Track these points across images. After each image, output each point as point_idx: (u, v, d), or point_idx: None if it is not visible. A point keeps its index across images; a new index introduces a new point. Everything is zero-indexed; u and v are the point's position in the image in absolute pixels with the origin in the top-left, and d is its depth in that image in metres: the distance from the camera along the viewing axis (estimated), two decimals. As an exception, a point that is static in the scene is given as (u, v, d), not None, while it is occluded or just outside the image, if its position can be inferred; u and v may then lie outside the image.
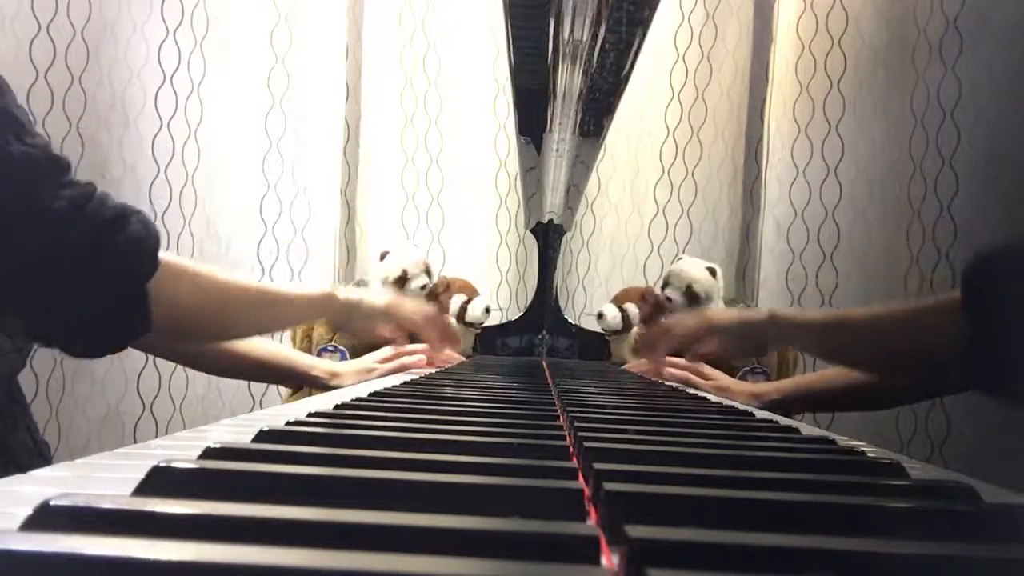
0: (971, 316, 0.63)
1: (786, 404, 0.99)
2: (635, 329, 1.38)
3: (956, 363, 0.65)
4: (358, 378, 1.03)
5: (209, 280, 0.75)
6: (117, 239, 0.61)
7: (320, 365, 1.07)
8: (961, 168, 1.51)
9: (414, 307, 1.03)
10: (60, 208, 0.58)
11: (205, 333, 0.82)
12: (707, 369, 1.05)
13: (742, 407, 0.72)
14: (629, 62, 0.88)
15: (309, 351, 1.39)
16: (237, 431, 0.41)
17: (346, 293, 0.93)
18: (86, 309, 0.62)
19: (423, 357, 1.09)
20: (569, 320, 1.49)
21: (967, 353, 0.63)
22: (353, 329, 1.03)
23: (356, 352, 1.32)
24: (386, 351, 1.09)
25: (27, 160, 0.57)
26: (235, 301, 0.78)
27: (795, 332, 0.88)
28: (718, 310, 0.98)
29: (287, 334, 1.59)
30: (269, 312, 0.84)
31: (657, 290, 1.42)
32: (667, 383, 1.03)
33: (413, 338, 1.13)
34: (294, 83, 1.70)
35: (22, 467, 0.29)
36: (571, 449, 0.37)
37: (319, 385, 1.05)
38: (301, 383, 1.14)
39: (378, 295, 1.04)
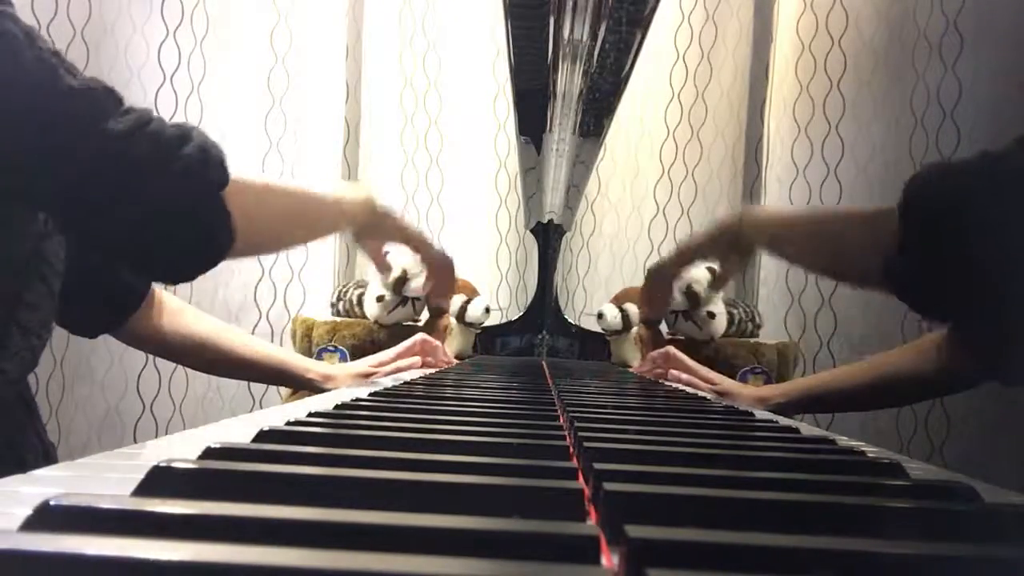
0: (906, 225, 0.63)
1: (791, 407, 0.99)
2: (634, 329, 1.38)
3: (885, 272, 0.65)
4: (352, 382, 1.03)
5: (269, 191, 0.75)
6: (184, 151, 0.61)
7: (315, 368, 1.06)
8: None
9: (437, 253, 1.02)
10: (126, 129, 0.59)
11: (270, 244, 0.83)
12: (710, 373, 1.05)
13: (742, 407, 0.72)
14: (629, 62, 0.88)
15: (309, 351, 1.39)
16: (237, 431, 0.41)
17: (383, 202, 0.92)
18: (170, 227, 0.61)
19: (418, 360, 1.09)
20: (569, 320, 1.49)
21: (895, 261, 0.63)
22: (378, 236, 0.99)
23: (356, 353, 1.32)
24: (382, 355, 1.08)
25: (86, 93, 0.57)
26: (294, 209, 0.78)
27: (766, 230, 0.88)
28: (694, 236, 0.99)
29: (287, 332, 1.59)
30: (320, 217, 0.84)
31: (657, 290, 1.41)
32: (668, 383, 1.03)
33: (406, 336, 1.14)
34: (294, 83, 1.70)
35: (29, 468, 0.29)
36: (571, 449, 0.37)
37: (312, 387, 1.04)
38: (294, 385, 1.13)
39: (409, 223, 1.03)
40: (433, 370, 1.04)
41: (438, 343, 1.13)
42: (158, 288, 0.96)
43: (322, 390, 1.02)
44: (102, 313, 0.90)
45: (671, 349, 1.10)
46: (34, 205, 0.65)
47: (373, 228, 0.92)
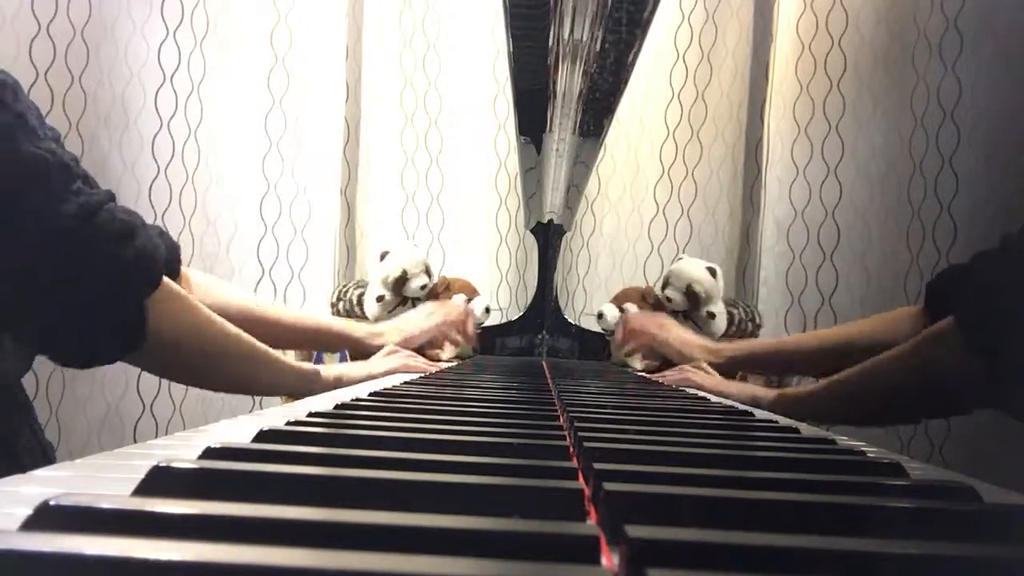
0: (975, 337, 0.62)
1: (744, 363, 1.00)
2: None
3: (972, 387, 0.64)
4: (399, 338, 1.06)
5: (210, 321, 0.73)
6: (121, 252, 0.60)
7: (361, 326, 1.09)
8: (961, 168, 1.51)
9: (404, 359, 1.03)
10: (67, 213, 0.57)
11: (191, 371, 0.79)
12: (663, 319, 1.06)
13: (742, 407, 0.72)
14: (629, 62, 0.88)
15: (309, 352, 1.39)
16: (237, 431, 0.41)
17: (332, 372, 0.92)
18: (81, 318, 0.60)
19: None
20: (569, 320, 1.49)
21: (990, 377, 0.62)
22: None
23: (356, 355, 1.32)
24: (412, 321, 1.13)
25: (37, 162, 0.56)
26: (229, 351, 0.76)
27: (803, 409, 0.86)
28: (722, 384, 0.98)
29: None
30: (257, 372, 0.82)
31: (657, 290, 1.42)
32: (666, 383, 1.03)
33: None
34: (294, 83, 1.70)
35: (26, 468, 0.29)
36: (571, 449, 0.37)
37: (361, 346, 1.06)
38: (340, 347, 1.14)
39: (364, 368, 1.01)
40: (433, 369, 1.04)
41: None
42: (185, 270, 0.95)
43: (372, 348, 1.04)
44: (102, 350, 0.87)
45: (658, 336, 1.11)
46: None
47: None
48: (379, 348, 1.05)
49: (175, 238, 1.59)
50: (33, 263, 0.57)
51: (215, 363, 0.77)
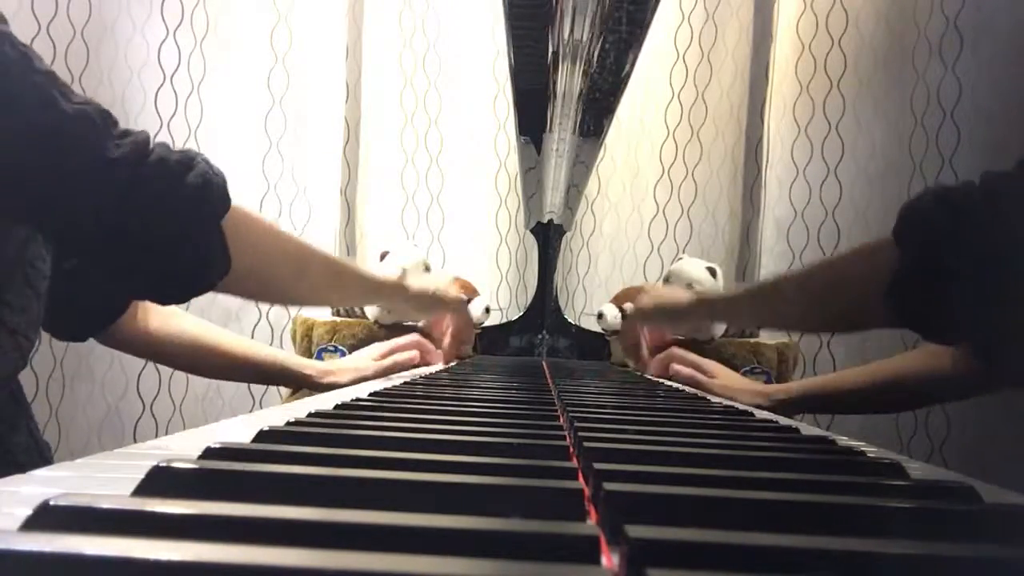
0: (901, 246, 0.62)
1: (794, 405, 0.98)
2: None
3: (886, 299, 0.64)
4: (353, 376, 1.02)
5: (284, 234, 0.75)
6: (186, 178, 0.61)
7: (312, 365, 1.05)
8: (961, 168, 1.51)
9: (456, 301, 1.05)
10: (124, 155, 0.58)
11: (278, 287, 0.80)
12: (712, 366, 1.05)
13: (742, 407, 0.72)
14: (629, 62, 0.88)
15: (309, 351, 1.38)
16: (237, 431, 0.41)
17: (417, 284, 0.94)
18: (167, 252, 0.61)
19: (416, 354, 1.08)
20: (569, 320, 1.49)
21: (896, 286, 0.62)
22: (422, 318, 1.03)
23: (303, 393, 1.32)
24: (378, 348, 1.08)
25: (82, 117, 0.57)
26: (309, 260, 0.77)
27: (721, 305, 0.88)
28: (660, 293, 1.00)
29: (287, 332, 1.59)
30: (341, 281, 0.84)
31: (657, 290, 1.41)
32: (669, 382, 1.03)
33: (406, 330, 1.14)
34: (294, 83, 1.70)
35: (23, 468, 0.29)
36: (571, 449, 0.37)
37: (311, 385, 1.03)
38: (292, 383, 1.11)
39: (438, 281, 1.04)
40: (433, 369, 1.04)
41: (432, 347, 1.13)
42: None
43: (321, 387, 1.01)
44: (87, 317, 0.88)
45: (674, 349, 1.10)
46: (32, 226, 0.64)
47: (417, 310, 0.96)
48: (328, 388, 1.03)
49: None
50: (104, 212, 0.58)
51: (301, 281, 0.78)
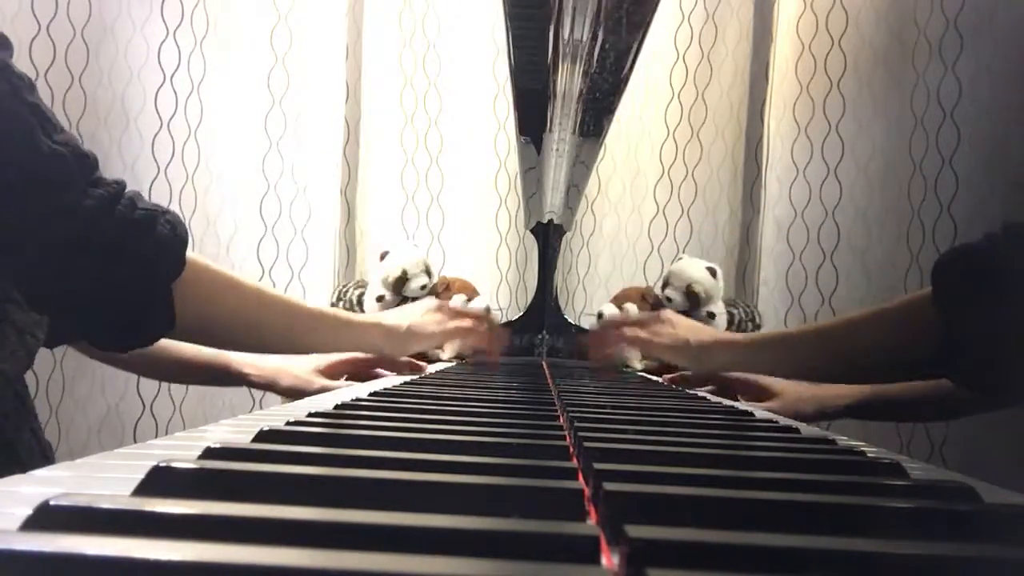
0: (944, 310, 0.63)
1: (855, 412, 0.95)
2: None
3: (931, 360, 0.65)
4: (291, 383, 0.97)
5: (244, 287, 0.76)
6: (143, 240, 0.62)
7: (256, 362, 1.00)
8: (961, 168, 1.51)
9: (469, 326, 0.99)
10: (89, 207, 0.59)
11: (230, 340, 0.82)
12: (769, 382, 0.98)
13: (742, 407, 0.72)
14: (629, 62, 0.88)
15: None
16: (237, 431, 0.41)
17: (392, 320, 0.90)
18: (111, 307, 0.63)
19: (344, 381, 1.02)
20: (569, 320, 1.49)
21: (944, 348, 0.63)
22: (404, 354, 0.96)
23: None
24: (326, 358, 1.01)
25: (56, 159, 0.57)
26: (268, 313, 0.78)
27: (754, 355, 0.86)
28: (676, 321, 0.95)
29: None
30: (306, 330, 0.83)
31: (657, 290, 1.42)
32: (672, 386, 1.03)
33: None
34: (294, 83, 1.70)
35: (25, 467, 0.29)
36: (571, 449, 0.37)
37: (250, 384, 1.00)
38: (231, 384, 1.06)
39: (424, 318, 0.96)
40: (414, 376, 1.03)
41: (409, 361, 1.05)
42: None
43: (257, 386, 1.00)
44: (135, 335, 0.86)
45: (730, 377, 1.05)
46: None
47: (394, 349, 0.91)
48: (263, 388, 1.01)
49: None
50: (61, 257, 0.59)
51: (259, 333, 0.79)
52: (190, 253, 0.68)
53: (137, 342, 0.68)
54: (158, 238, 0.63)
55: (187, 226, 0.68)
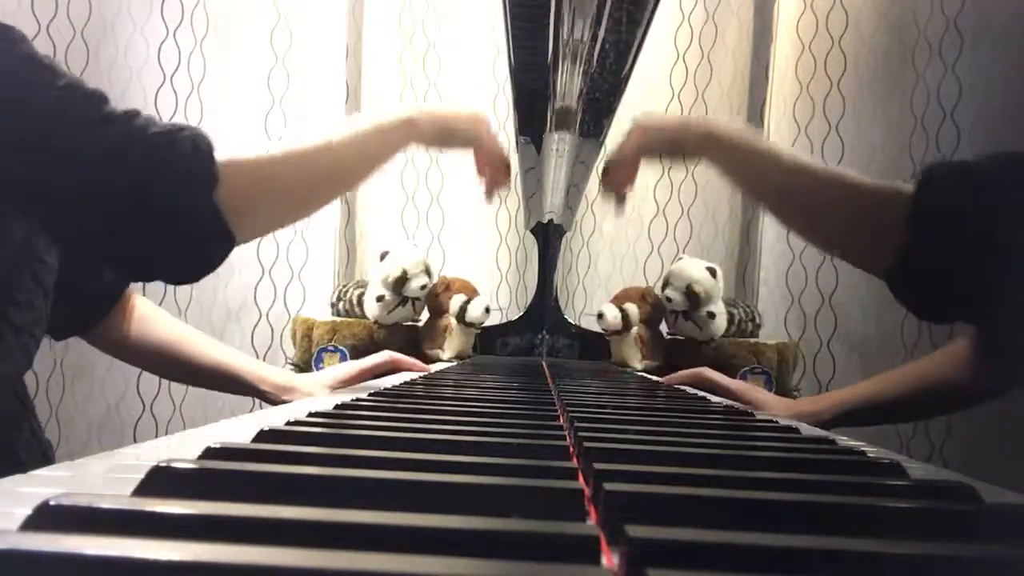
0: (918, 222, 0.62)
1: (829, 424, 0.91)
2: (635, 329, 1.38)
3: (883, 254, 0.63)
4: (316, 393, 0.94)
5: (281, 163, 0.71)
6: (171, 160, 0.61)
7: (273, 378, 0.97)
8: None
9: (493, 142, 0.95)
10: (110, 138, 0.59)
11: (293, 218, 0.81)
12: (738, 387, 0.98)
13: (742, 407, 0.72)
14: (629, 62, 0.88)
15: (309, 351, 1.39)
16: (237, 431, 0.41)
17: (428, 113, 0.84)
18: (167, 234, 0.62)
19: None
20: (569, 320, 1.49)
21: (903, 263, 0.62)
22: (453, 147, 0.92)
23: (355, 354, 1.32)
24: (349, 368, 1.00)
25: (67, 101, 0.58)
26: (313, 175, 0.75)
27: (730, 152, 0.83)
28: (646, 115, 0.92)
29: (287, 332, 1.59)
30: (351, 163, 0.80)
31: (657, 290, 1.42)
32: (677, 385, 1.03)
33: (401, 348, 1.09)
34: (294, 83, 1.70)
35: (25, 467, 0.29)
36: (571, 449, 0.37)
37: (267, 399, 0.96)
38: (248, 394, 1.02)
39: (460, 111, 0.90)
40: (424, 373, 1.03)
41: (416, 363, 1.04)
42: (135, 293, 0.93)
43: (279, 402, 0.94)
44: (74, 315, 0.85)
45: (704, 370, 1.03)
46: (26, 210, 0.65)
47: (440, 140, 0.86)
48: (283, 402, 0.96)
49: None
50: (100, 193, 0.59)
51: (310, 193, 0.77)
52: (226, 158, 0.65)
53: (204, 267, 0.65)
54: (185, 152, 0.62)
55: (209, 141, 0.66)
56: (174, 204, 0.61)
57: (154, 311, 0.96)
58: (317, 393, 0.93)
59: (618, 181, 0.95)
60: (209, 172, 0.63)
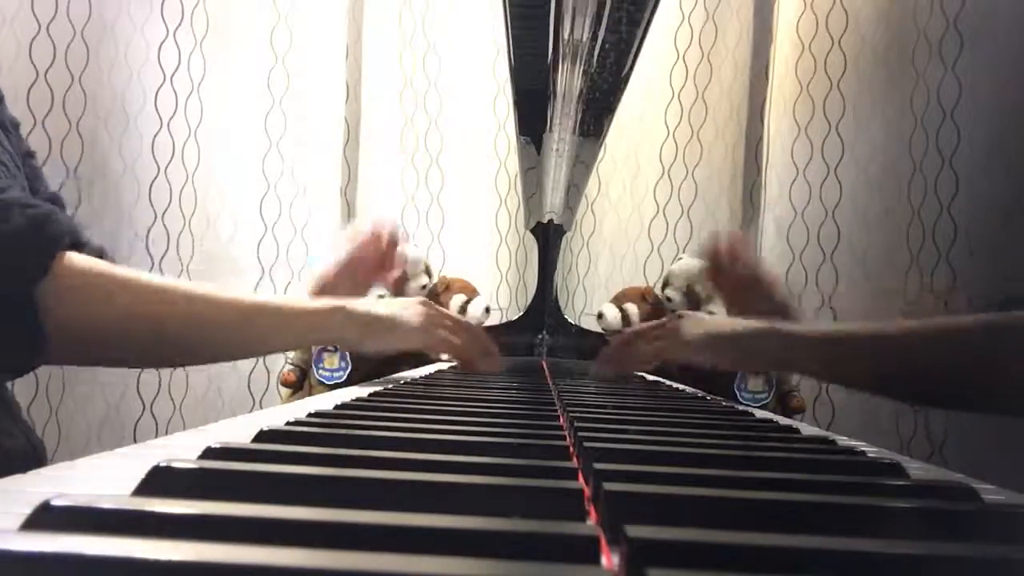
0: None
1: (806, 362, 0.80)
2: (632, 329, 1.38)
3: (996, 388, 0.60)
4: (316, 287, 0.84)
5: (142, 285, 0.60)
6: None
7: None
8: (961, 168, 1.51)
9: (452, 328, 0.82)
10: None
11: (139, 349, 0.64)
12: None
13: (742, 407, 0.72)
14: (629, 62, 0.88)
15: (308, 351, 1.39)
16: (237, 431, 0.41)
17: (363, 307, 0.74)
18: None
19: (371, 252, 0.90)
20: (569, 320, 1.49)
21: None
22: (372, 351, 0.82)
23: (356, 354, 1.32)
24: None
25: None
26: (176, 310, 0.62)
27: (802, 350, 0.74)
28: (694, 318, 0.84)
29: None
30: (235, 328, 0.66)
31: (657, 290, 1.42)
32: (669, 383, 1.03)
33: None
34: (294, 83, 1.70)
35: (16, 470, 0.29)
36: (571, 449, 0.37)
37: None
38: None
39: (403, 306, 0.79)
40: (432, 370, 1.03)
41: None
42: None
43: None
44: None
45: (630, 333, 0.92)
46: None
47: (359, 340, 0.74)
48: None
49: (175, 238, 1.60)
50: None
51: (162, 332, 0.62)
52: (76, 255, 0.56)
53: (6, 367, 0.56)
54: (9, 231, 0.52)
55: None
56: None
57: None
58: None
59: (626, 362, 0.88)
60: (34, 260, 0.53)
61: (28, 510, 0.21)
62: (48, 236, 0.54)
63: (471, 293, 1.41)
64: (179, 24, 1.62)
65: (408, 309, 0.78)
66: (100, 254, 0.65)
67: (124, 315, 0.59)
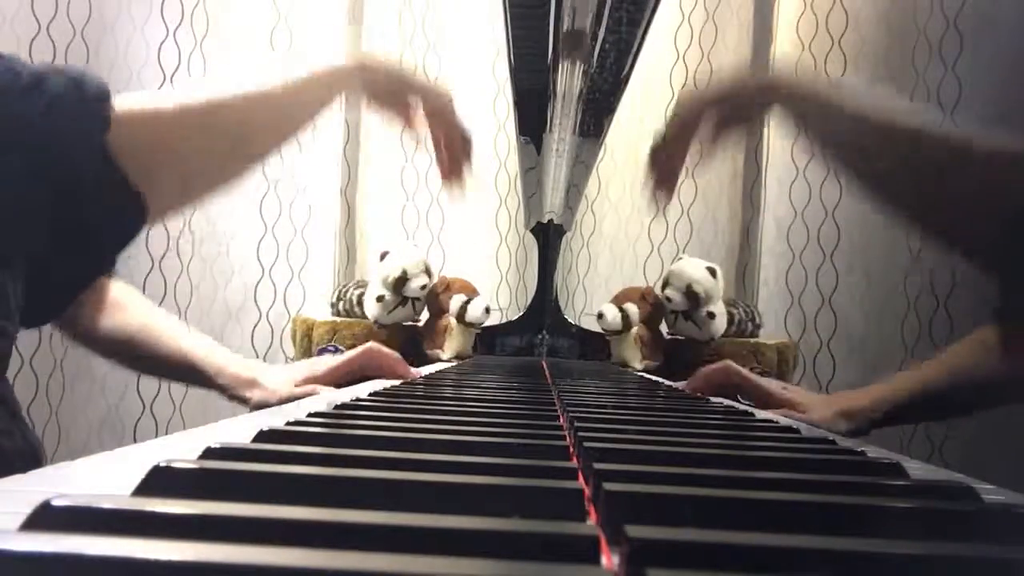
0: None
1: (882, 421, 0.83)
2: (634, 329, 1.38)
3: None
4: (260, 398, 0.87)
5: (180, 112, 0.58)
6: (37, 110, 0.48)
7: (229, 368, 0.90)
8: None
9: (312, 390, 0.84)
10: None
11: (220, 175, 0.64)
12: (771, 385, 0.89)
13: (741, 407, 0.72)
14: (629, 62, 0.88)
15: (309, 351, 1.39)
16: (237, 431, 0.41)
17: (380, 59, 0.75)
18: (64, 204, 0.49)
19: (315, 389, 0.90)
20: (569, 320, 1.49)
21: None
22: (393, 101, 0.82)
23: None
24: (303, 368, 0.92)
25: None
26: (220, 118, 0.62)
27: (800, 102, 0.71)
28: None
29: (287, 332, 1.59)
30: (285, 108, 0.69)
31: (657, 290, 1.42)
32: (669, 382, 1.03)
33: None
34: (294, 83, 1.70)
35: (15, 470, 0.29)
36: (571, 449, 0.37)
37: (227, 395, 0.90)
38: (206, 387, 0.96)
39: (278, 374, 0.86)
40: (433, 370, 1.03)
41: (395, 355, 0.93)
42: (109, 281, 0.85)
43: (236, 399, 0.89)
44: (40, 300, 0.77)
45: (730, 364, 0.91)
46: None
47: (382, 88, 0.76)
48: (240, 399, 0.91)
49: (175, 238, 1.60)
50: None
51: (242, 145, 0.64)
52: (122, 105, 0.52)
53: (114, 248, 0.54)
54: (55, 93, 0.48)
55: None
56: (57, 155, 0.48)
57: (127, 298, 0.87)
58: (281, 391, 0.86)
59: (669, 167, 0.81)
60: (97, 114, 0.50)
61: (28, 510, 0.21)
62: (94, 88, 0.51)
63: (471, 293, 1.41)
64: (179, 24, 1.62)
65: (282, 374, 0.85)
66: None
67: (197, 132, 0.59)
